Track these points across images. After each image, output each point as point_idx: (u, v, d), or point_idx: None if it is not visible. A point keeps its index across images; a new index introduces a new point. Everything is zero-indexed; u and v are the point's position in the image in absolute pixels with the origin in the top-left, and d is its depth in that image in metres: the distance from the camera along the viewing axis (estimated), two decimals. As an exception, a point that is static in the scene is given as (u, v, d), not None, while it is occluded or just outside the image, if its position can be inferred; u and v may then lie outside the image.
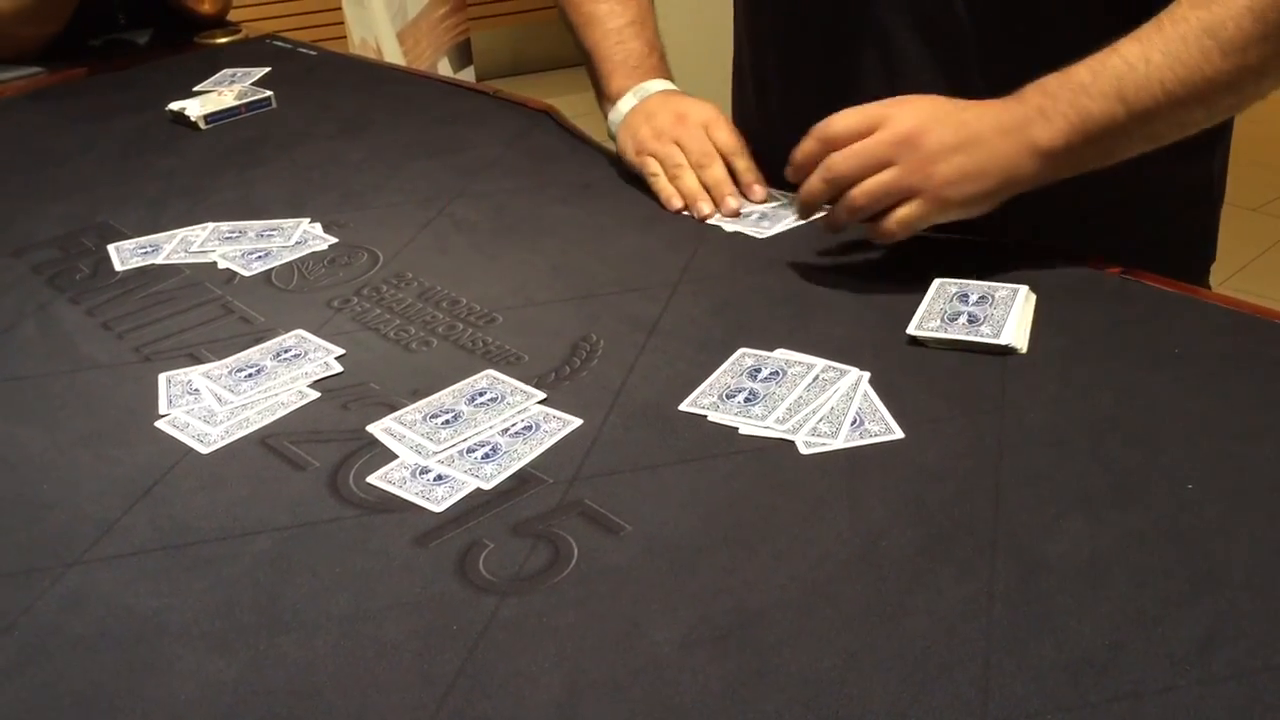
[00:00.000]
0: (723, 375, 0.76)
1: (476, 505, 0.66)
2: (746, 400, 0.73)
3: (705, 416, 0.72)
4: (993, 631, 0.56)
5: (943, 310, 0.80)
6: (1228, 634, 0.55)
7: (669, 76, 1.07)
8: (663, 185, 0.99)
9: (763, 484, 0.67)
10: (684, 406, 0.73)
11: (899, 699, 0.53)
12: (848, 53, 0.98)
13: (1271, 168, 2.98)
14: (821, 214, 0.87)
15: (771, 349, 0.78)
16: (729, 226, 0.95)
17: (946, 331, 0.77)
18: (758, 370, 0.76)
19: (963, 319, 0.78)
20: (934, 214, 0.81)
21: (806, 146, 0.84)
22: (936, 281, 0.83)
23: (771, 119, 1.08)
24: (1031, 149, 0.79)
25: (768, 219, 0.96)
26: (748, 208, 0.97)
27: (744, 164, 0.99)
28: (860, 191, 0.81)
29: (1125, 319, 0.79)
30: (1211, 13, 0.77)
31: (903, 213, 0.81)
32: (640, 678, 0.55)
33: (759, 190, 0.98)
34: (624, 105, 1.04)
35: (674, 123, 1.00)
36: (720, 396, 0.74)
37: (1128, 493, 0.64)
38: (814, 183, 0.84)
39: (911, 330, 0.78)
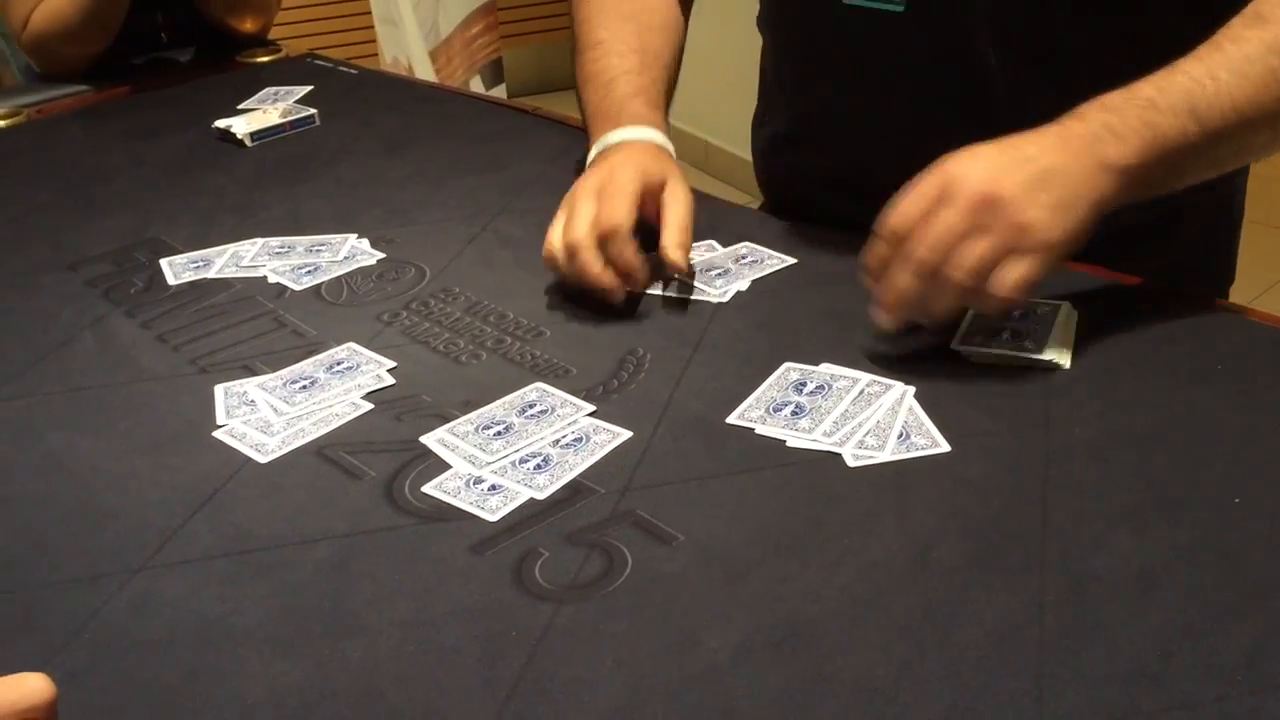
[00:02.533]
0: (769, 389, 0.77)
1: (530, 515, 0.68)
2: (793, 413, 0.74)
3: (753, 429, 0.74)
4: (1044, 641, 0.57)
5: (986, 325, 0.80)
6: (1278, 645, 0.56)
7: (654, 122, 0.97)
8: (548, 243, 0.89)
9: (811, 496, 0.68)
10: (732, 419, 0.75)
11: (953, 707, 0.54)
12: (866, 91, 0.97)
13: (1300, 186, 2.97)
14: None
15: (816, 363, 0.79)
16: (667, 292, 0.89)
17: (990, 347, 0.78)
18: (803, 384, 0.77)
19: (1006, 334, 0.79)
20: (1047, 263, 0.73)
21: (879, 250, 0.76)
22: (978, 298, 0.84)
23: (783, 141, 1.09)
24: (1107, 167, 0.74)
25: (725, 276, 0.91)
26: (701, 263, 0.92)
27: (671, 232, 0.88)
28: (963, 273, 0.73)
29: (1167, 335, 0.80)
30: (1272, 31, 0.76)
31: (1015, 276, 0.72)
32: (696, 684, 0.56)
33: (674, 255, 0.87)
34: (590, 155, 0.98)
35: (603, 178, 0.90)
36: (767, 410, 0.75)
37: (1174, 506, 0.65)
38: (904, 282, 0.75)
39: (955, 345, 0.79)
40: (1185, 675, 0.54)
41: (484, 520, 0.67)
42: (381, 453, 0.74)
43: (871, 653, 0.57)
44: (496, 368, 0.82)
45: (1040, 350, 0.77)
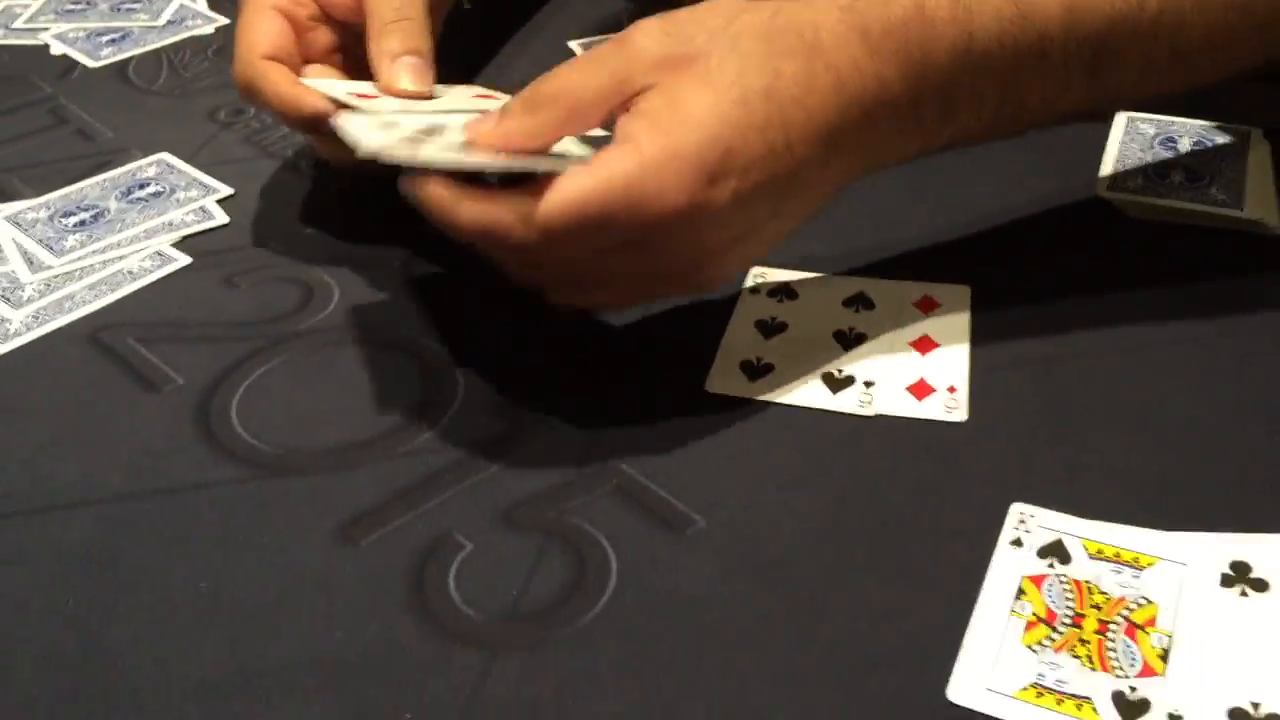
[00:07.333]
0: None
1: (441, 468, 0.40)
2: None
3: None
4: None
5: (1141, 159, 0.53)
6: None
7: None
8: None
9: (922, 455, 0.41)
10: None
11: None
12: None
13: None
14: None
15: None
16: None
17: (1158, 195, 0.51)
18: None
19: (1178, 174, 0.52)
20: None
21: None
22: (1122, 117, 0.56)
23: None
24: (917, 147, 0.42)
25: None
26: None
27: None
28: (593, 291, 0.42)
29: None
30: None
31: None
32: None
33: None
34: None
35: None
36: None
37: None
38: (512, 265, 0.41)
39: (1102, 192, 0.51)
40: None
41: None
42: (199, 343, 0.45)
43: None
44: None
45: (1239, 202, 0.50)
